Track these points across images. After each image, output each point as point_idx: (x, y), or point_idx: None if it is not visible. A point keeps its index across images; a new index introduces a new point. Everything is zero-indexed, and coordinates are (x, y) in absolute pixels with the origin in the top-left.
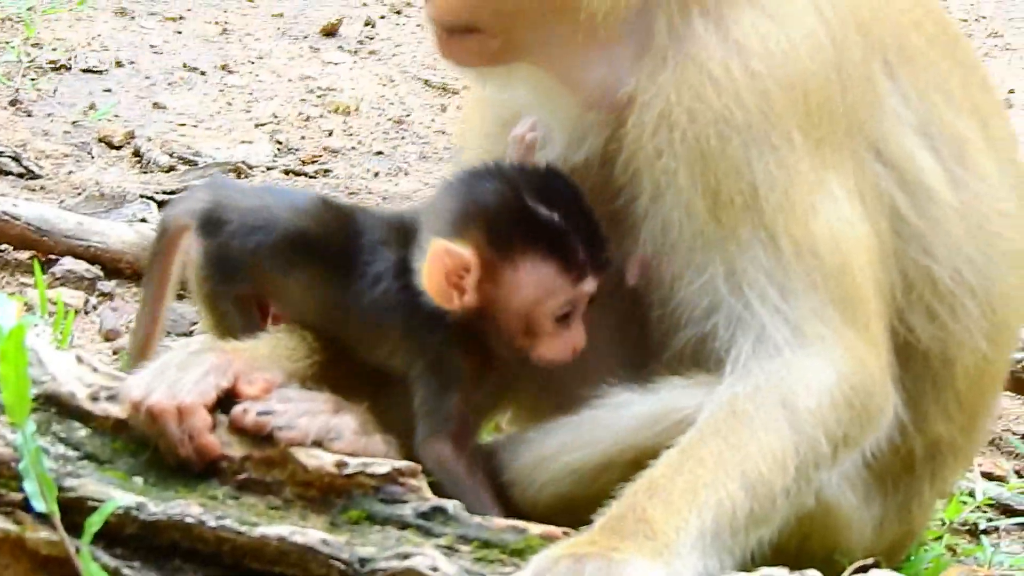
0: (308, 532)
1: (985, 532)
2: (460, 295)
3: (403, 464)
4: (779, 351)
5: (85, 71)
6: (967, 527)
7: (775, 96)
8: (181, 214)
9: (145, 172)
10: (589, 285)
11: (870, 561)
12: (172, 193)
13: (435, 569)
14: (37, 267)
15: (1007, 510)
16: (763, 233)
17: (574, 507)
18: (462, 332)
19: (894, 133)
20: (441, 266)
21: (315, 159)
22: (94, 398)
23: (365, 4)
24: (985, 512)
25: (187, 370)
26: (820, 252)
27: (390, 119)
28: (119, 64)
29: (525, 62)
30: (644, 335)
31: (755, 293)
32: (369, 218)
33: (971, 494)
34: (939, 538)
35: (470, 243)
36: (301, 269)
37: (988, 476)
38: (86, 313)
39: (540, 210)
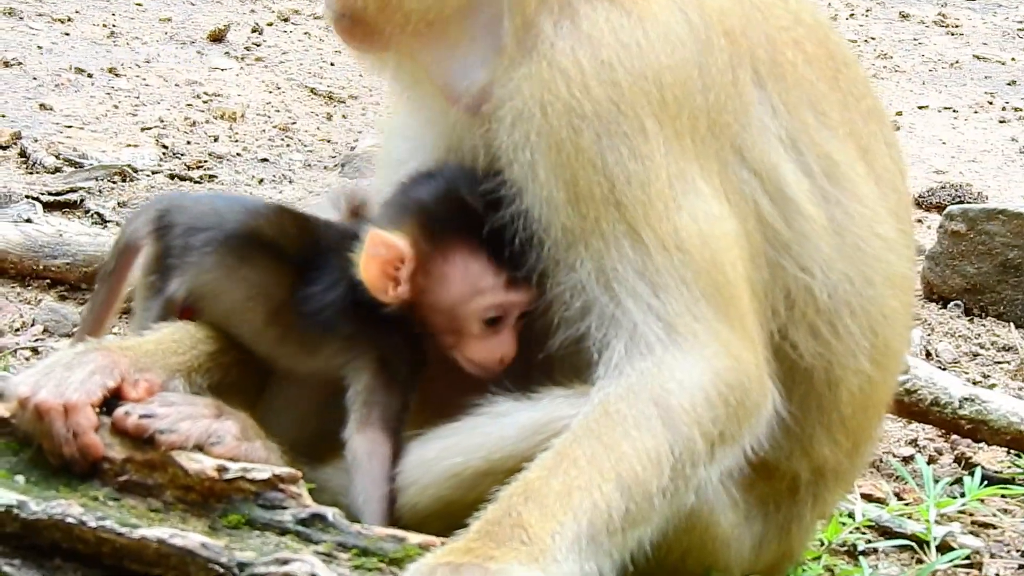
0: (188, 535)
1: (864, 553)
2: (395, 286)
3: (283, 470)
4: (651, 350)
5: None
6: (846, 548)
7: (626, 85)
8: (139, 227)
9: (31, 173)
10: (520, 294)
11: None
12: (58, 194)
13: (314, 575)
14: None
15: (886, 532)
16: (625, 227)
17: (454, 511)
18: (407, 330)
19: (759, 142)
20: (376, 256)
21: (200, 164)
22: None
23: (253, 11)
24: (864, 533)
25: (74, 370)
26: (687, 247)
27: (276, 126)
28: (7, 64)
29: (405, 56)
30: (527, 343)
31: (625, 290)
32: (326, 226)
33: (851, 515)
34: (818, 558)
35: (406, 234)
36: (248, 267)
37: (868, 498)
38: None
39: (476, 210)
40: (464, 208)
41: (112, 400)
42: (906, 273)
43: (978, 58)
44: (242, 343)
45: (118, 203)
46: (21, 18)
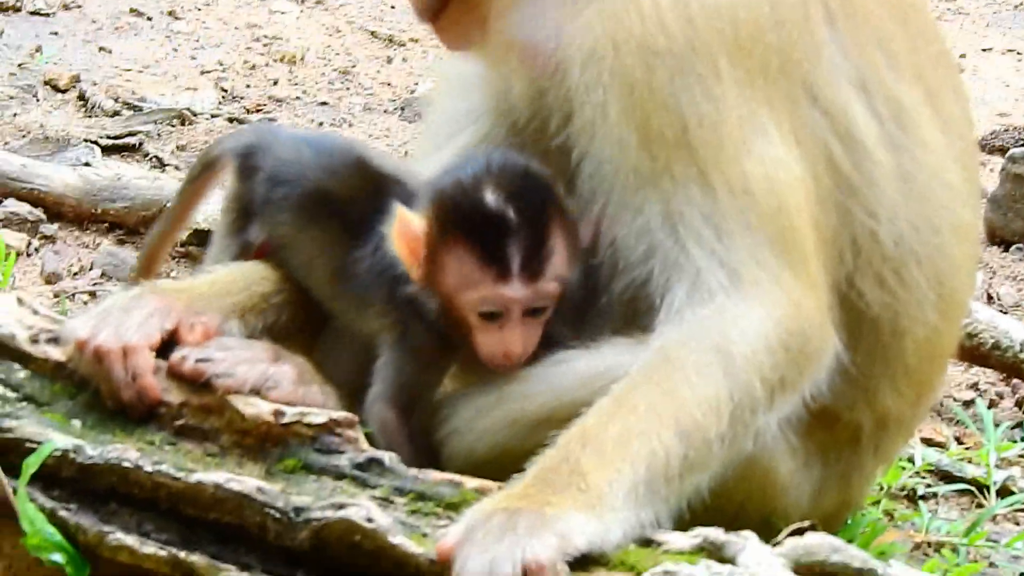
0: (244, 480)
1: (923, 498)
2: (417, 266)
3: (340, 415)
4: (713, 296)
5: (32, 13)
6: (905, 492)
7: (700, 22)
8: (225, 151)
9: (90, 116)
10: (516, 291)
11: (806, 524)
12: (117, 138)
13: (370, 520)
14: None
15: (946, 476)
16: (695, 170)
17: (510, 459)
18: (431, 315)
19: (830, 82)
20: (399, 232)
21: (260, 108)
22: (34, 340)
23: None
24: (924, 478)
25: (131, 312)
26: (754, 192)
27: (335, 69)
28: (66, 7)
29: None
30: (590, 295)
31: (691, 235)
32: (399, 187)
33: (910, 460)
34: (877, 503)
35: (424, 216)
36: (317, 227)
37: (928, 442)
38: (28, 255)
39: (485, 203)
40: (473, 201)
41: (168, 345)
42: (972, 221)
43: None
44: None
45: (177, 147)
46: None
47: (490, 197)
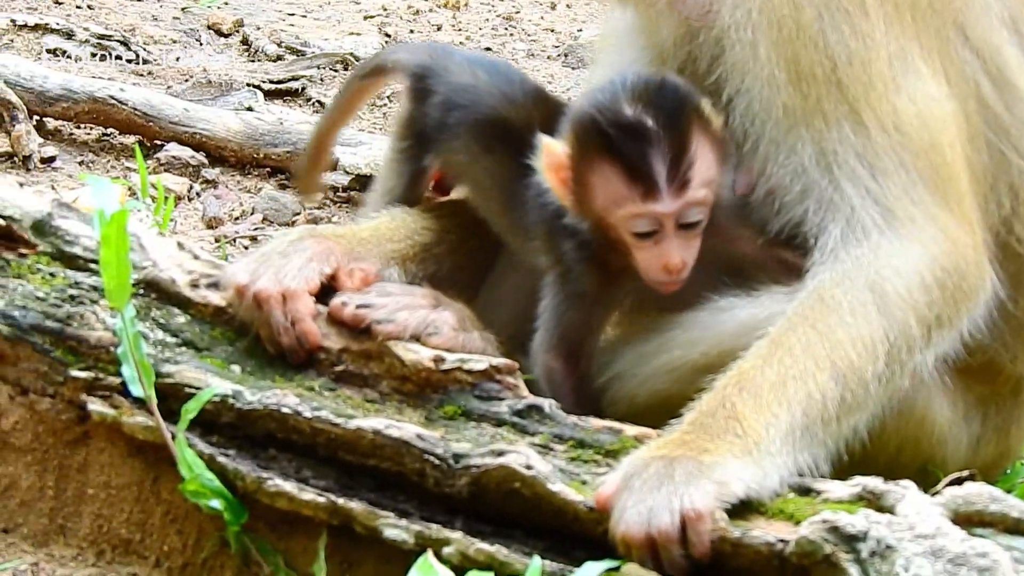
0: (404, 426)
1: None
2: (568, 194)
3: (500, 361)
4: (868, 235)
5: None
6: None
7: None
8: (400, 65)
9: (253, 61)
10: (665, 205)
11: (965, 474)
12: (279, 83)
13: (529, 467)
14: (138, 151)
15: None
16: (846, 108)
17: (670, 406)
18: (589, 245)
19: (982, 20)
20: (547, 161)
21: None
22: (194, 285)
23: None
24: None
25: (290, 257)
26: (906, 129)
27: (499, 15)
28: None
29: None
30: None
31: (844, 173)
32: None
33: None
34: None
35: (567, 142)
36: (491, 157)
37: None
38: (189, 200)
39: (624, 118)
40: (614, 120)
41: (327, 291)
42: None
43: None
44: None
45: None
46: None
47: (628, 111)
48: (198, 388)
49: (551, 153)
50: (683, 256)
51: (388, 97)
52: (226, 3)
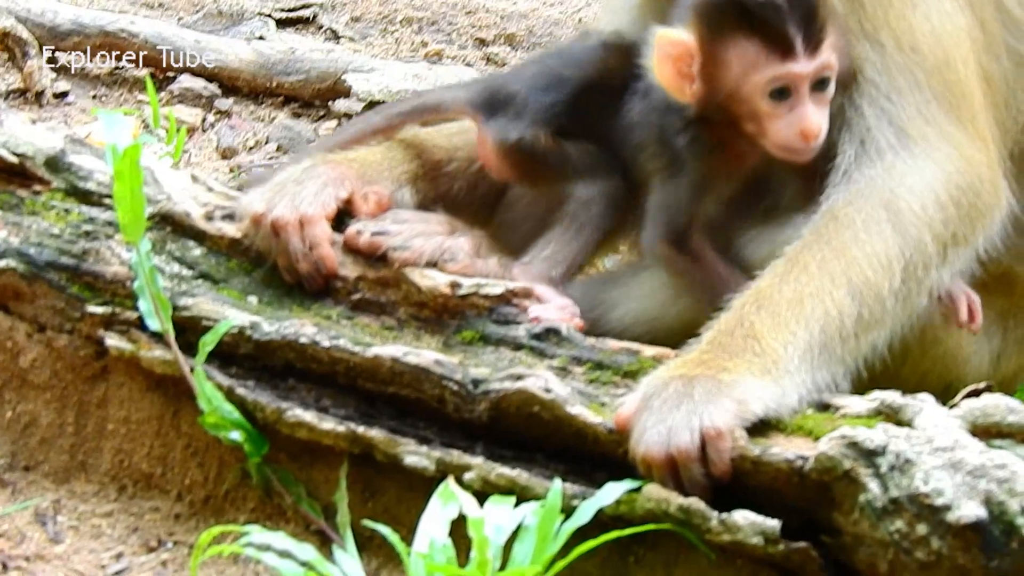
0: (422, 353)
1: None
2: (690, 84)
3: (517, 285)
4: (881, 155)
5: None
6: None
7: None
8: (455, 99)
9: None
10: (802, 64)
11: (982, 386)
12: (290, 11)
13: (548, 390)
14: (150, 83)
15: None
16: (870, 26)
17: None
18: (705, 135)
19: None
20: (668, 55)
21: None
22: (209, 217)
23: None
24: None
25: (305, 184)
26: (920, 47)
27: None
28: None
29: None
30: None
31: (862, 94)
32: (629, 49)
33: None
34: None
35: (690, 28)
36: (591, 112)
37: None
38: (203, 131)
39: None
40: None
41: (341, 219)
42: None
43: None
44: None
45: (351, 18)
46: None
47: None
48: (215, 320)
49: (672, 43)
50: (819, 120)
51: (400, 22)
52: None
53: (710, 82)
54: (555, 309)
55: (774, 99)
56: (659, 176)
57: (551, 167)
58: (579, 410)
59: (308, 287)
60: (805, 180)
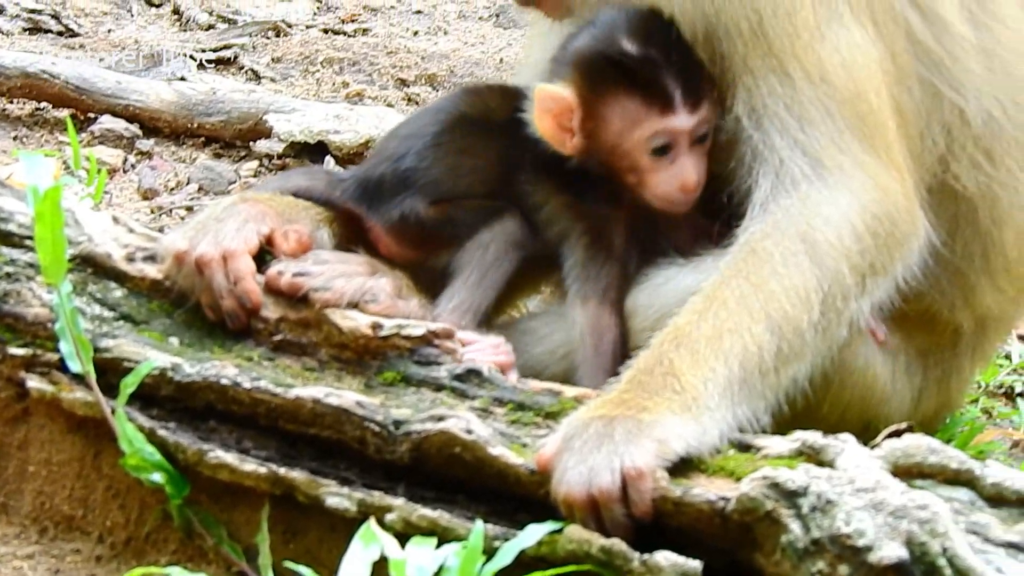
0: (343, 394)
1: (1021, 395)
2: (570, 137)
3: (438, 326)
4: (796, 186)
5: None
6: (1003, 390)
7: None
8: (336, 199)
9: (185, 30)
10: (682, 120)
11: (903, 426)
12: (212, 51)
13: (469, 431)
14: (70, 125)
15: None
16: (773, 61)
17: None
18: (604, 186)
19: None
20: (547, 110)
21: (354, 18)
22: (130, 258)
23: None
24: (1021, 375)
25: (226, 221)
26: (831, 78)
27: None
28: None
29: None
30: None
31: (774, 126)
32: (513, 92)
33: (1007, 357)
34: (975, 401)
35: (570, 84)
36: (471, 152)
37: None
38: (124, 172)
39: (628, 47)
40: (616, 48)
41: (262, 261)
42: None
43: None
44: None
45: (272, 59)
46: None
47: (631, 40)
48: (137, 362)
49: (552, 98)
50: (698, 174)
51: (321, 63)
52: None
53: (591, 136)
54: (489, 349)
55: (655, 154)
56: (569, 239)
57: (443, 233)
58: (501, 451)
59: (231, 325)
60: (693, 225)
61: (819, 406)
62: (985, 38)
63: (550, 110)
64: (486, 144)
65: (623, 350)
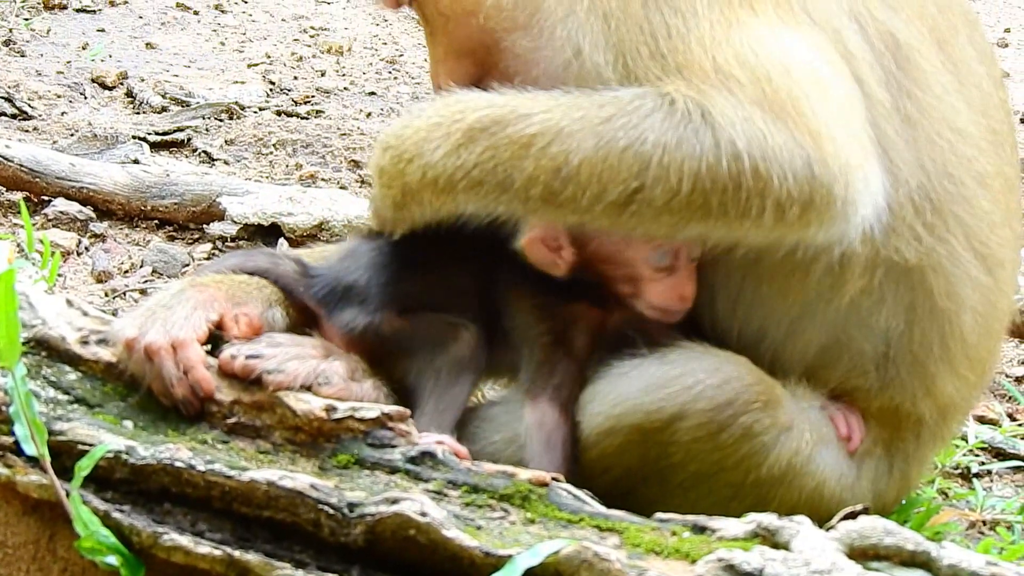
0: (297, 476)
1: (977, 476)
2: (561, 256)
3: (392, 409)
4: None
5: (79, 11)
6: (960, 471)
7: None
8: (300, 292)
9: (138, 113)
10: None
11: (859, 507)
12: (165, 134)
13: (424, 514)
14: (24, 207)
15: (999, 453)
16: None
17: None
18: (577, 292)
19: (822, 4)
20: (536, 236)
21: (308, 99)
22: (84, 342)
23: None
24: (977, 456)
25: (174, 308)
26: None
27: (383, 59)
28: (112, 4)
29: None
30: None
31: None
32: None
33: (964, 438)
34: (932, 482)
35: None
36: (451, 268)
37: (981, 420)
38: (78, 255)
39: None
40: None
41: (214, 342)
42: (1000, 173)
43: None
44: None
45: (225, 141)
46: None
47: None
48: (91, 445)
49: (542, 230)
50: (693, 283)
51: (274, 145)
52: (109, 55)
53: (587, 249)
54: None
55: (658, 270)
56: (531, 335)
57: (398, 347)
58: (455, 534)
59: (184, 412)
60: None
61: (767, 504)
62: (905, 102)
63: (538, 235)
64: (465, 256)
65: (573, 448)
